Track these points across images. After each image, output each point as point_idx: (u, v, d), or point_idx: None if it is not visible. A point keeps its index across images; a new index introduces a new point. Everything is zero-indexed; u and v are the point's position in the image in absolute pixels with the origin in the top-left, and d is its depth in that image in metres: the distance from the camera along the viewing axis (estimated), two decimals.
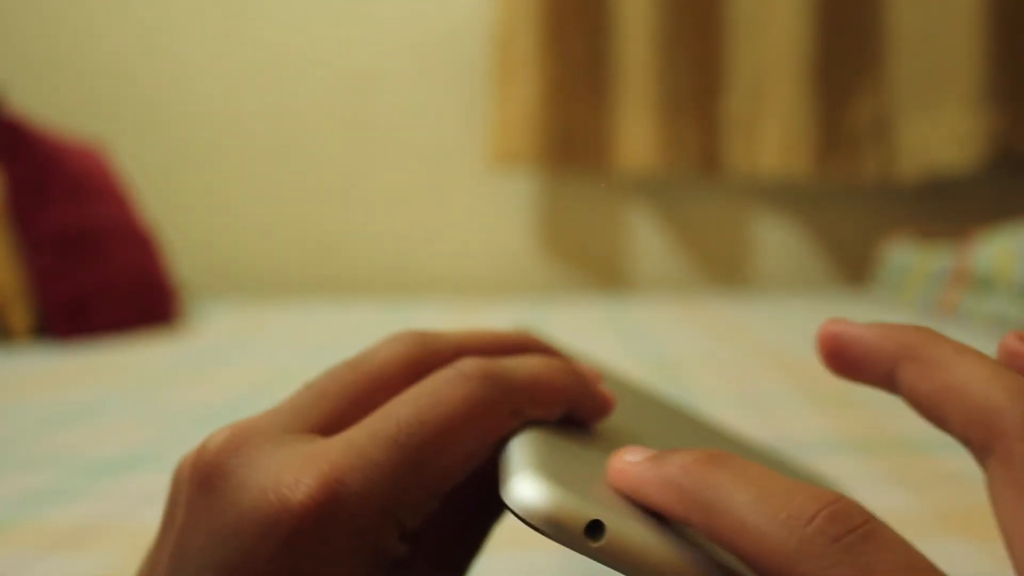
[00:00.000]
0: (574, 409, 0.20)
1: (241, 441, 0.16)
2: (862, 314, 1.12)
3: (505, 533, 0.37)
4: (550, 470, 0.17)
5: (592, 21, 1.44)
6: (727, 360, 0.78)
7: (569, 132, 1.44)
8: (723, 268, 1.56)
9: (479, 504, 0.22)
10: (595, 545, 0.15)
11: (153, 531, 0.38)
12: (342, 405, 0.18)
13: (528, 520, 0.16)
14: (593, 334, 0.97)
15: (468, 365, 0.18)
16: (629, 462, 0.17)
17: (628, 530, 0.16)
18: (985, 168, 1.52)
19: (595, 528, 0.16)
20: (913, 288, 1.18)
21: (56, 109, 1.58)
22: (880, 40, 1.42)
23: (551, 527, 0.15)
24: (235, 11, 1.55)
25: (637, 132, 1.42)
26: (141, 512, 0.40)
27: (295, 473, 0.15)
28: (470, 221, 1.56)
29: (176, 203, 1.58)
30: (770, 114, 1.41)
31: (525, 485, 0.16)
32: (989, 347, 0.83)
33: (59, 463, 0.49)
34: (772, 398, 0.62)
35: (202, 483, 0.16)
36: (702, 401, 0.61)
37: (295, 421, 0.17)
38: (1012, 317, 0.91)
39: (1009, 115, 1.34)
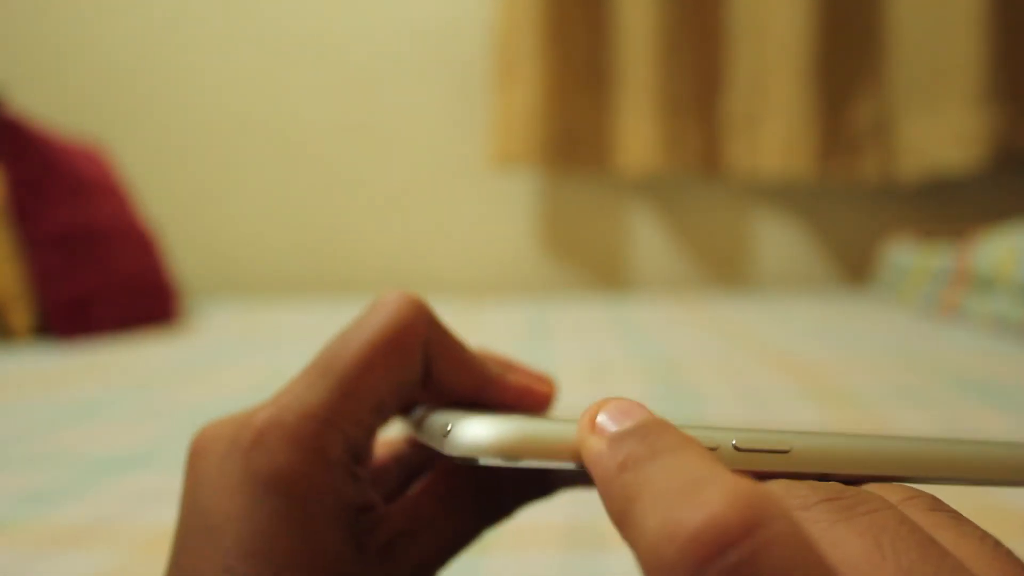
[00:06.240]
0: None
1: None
2: (863, 313, 1.12)
3: (505, 533, 0.37)
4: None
5: (593, 21, 1.44)
6: (727, 359, 0.78)
7: (570, 132, 1.44)
8: (724, 268, 1.56)
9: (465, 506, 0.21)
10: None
11: (154, 531, 0.38)
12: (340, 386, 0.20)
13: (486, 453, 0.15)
14: (594, 334, 0.97)
15: (391, 292, 0.21)
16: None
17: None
18: (986, 168, 1.52)
19: None
20: (914, 288, 1.18)
21: (56, 109, 1.58)
22: (881, 40, 1.42)
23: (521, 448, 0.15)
24: (235, 12, 1.55)
25: (638, 132, 1.42)
26: (141, 512, 0.40)
27: (252, 411, 0.19)
28: (471, 220, 1.56)
29: (176, 203, 1.58)
30: (771, 114, 1.41)
31: (473, 426, 0.16)
32: (990, 346, 0.83)
33: (59, 463, 0.49)
34: (772, 396, 0.62)
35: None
36: (703, 399, 0.61)
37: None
38: (1012, 317, 0.91)
39: (1010, 115, 1.33)
